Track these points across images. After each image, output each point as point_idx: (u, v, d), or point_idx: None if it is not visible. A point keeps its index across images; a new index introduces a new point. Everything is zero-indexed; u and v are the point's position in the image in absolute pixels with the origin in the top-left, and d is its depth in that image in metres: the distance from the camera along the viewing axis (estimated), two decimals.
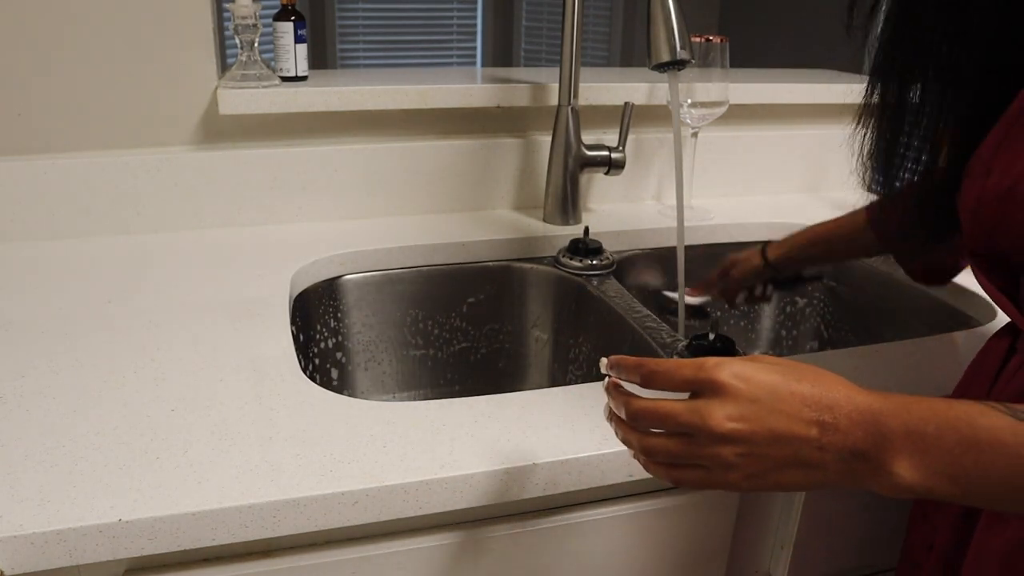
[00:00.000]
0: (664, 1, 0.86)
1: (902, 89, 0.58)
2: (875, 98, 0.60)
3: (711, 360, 0.47)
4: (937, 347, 0.82)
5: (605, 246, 1.06)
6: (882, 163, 0.62)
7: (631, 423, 0.49)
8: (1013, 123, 0.52)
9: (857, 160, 0.62)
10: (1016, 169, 0.50)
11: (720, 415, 0.45)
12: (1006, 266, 0.55)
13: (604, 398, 0.68)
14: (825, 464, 0.45)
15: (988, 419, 0.44)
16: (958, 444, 0.43)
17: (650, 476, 0.64)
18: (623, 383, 0.51)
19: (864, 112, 0.61)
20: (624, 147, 1.14)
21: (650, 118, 1.24)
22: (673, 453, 0.47)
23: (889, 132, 0.60)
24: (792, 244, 0.97)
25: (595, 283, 1.02)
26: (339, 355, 1.04)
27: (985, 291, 0.58)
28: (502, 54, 4.72)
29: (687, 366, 0.47)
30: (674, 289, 1.01)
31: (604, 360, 0.52)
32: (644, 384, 0.49)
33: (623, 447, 0.61)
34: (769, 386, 0.46)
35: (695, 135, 1.20)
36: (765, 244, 1.00)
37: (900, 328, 1.07)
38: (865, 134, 0.62)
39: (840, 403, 0.45)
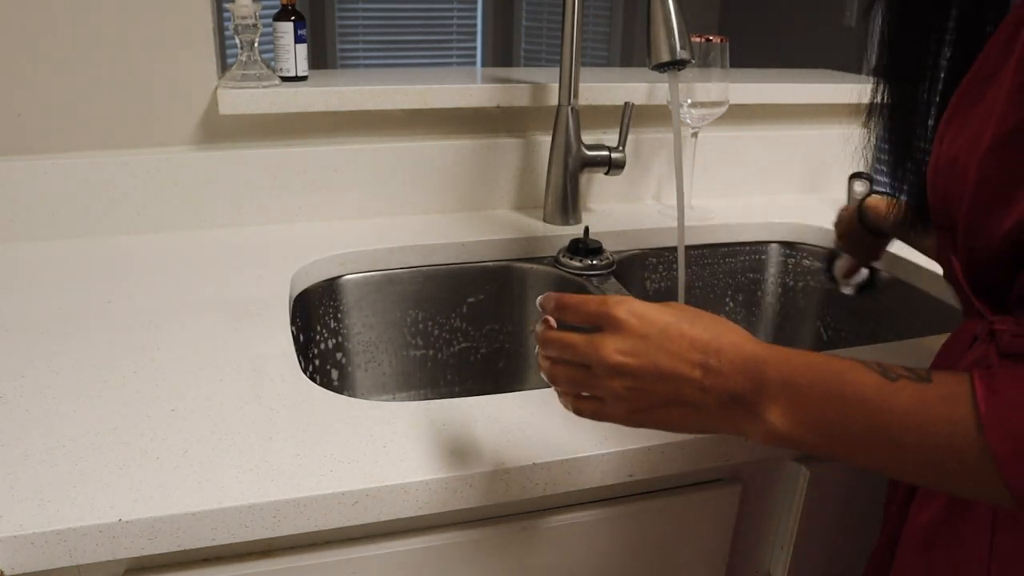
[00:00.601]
0: (664, 1, 0.86)
1: (905, 88, 0.59)
2: (880, 98, 0.60)
3: (614, 297, 0.51)
4: (937, 347, 0.82)
5: (605, 246, 1.06)
6: (891, 163, 0.62)
7: (543, 350, 0.53)
8: (964, 94, 0.53)
9: (862, 160, 0.62)
10: (960, 140, 0.51)
11: (611, 348, 0.49)
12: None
13: None
14: (707, 406, 0.48)
15: (857, 375, 0.45)
16: (826, 397, 0.46)
17: (650, 477, 0.64)
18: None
19: (870, 112, 0.61)
20: (624, 147, 1.14)
21: (650, 118, 1.24)
22: (573, 381, 0.51)
23: (895, 132, 0.60)
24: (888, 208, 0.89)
25: (595, 283, 1.02)
26: (339, 356, 1.04)
27: (942, 264, 0.58)
28: (502, 54, 4.72)
29: (592, 301, 0.51)
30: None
31: (539, 298, 0.56)
32: (557, 316, 0.53)
33: (623, 447, 0.62)
34: (661, 325, 0.49)
35: (695, 135, 1.20)
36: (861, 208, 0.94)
37: (900, 328, 1.07)
38: (871, 135, 0.62)
39: (726, 349, 0.48)
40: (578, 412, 0.53)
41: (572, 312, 0.52)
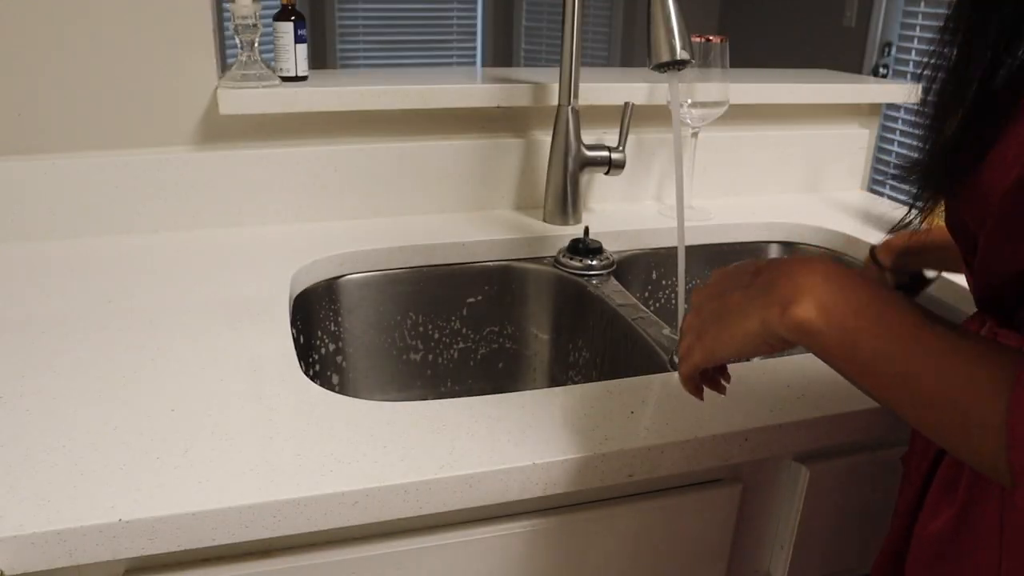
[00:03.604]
0: (664, 1, 0.86)
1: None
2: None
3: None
4: None
5: (605, 246, 1.06)
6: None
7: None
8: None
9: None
10: (995, 159, 0.49)
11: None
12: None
13: (603, 399, 0.69)
14: (754, 286, 0.50)
15: (903, 303, 0.47)
16: (865, 303, 0.46)
17: (650, 476, 0.64)
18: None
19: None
20: (624, 147, 1.14)
21: (650, 118, 1.24)
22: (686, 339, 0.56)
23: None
24: (905, 246, 0.86)
25: (595, 283, 1.02)
26: (339, 358, 1.04)
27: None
28: (502, 54, 4.72)
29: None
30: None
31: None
32: None
33: (623, 447, 0.62)
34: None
35: (695, 135, 1.20)
36: (872, 248, 0.89)
37: None
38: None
39: (777, 262, 0.51)
40: (683, 358, 0.55)
41: None
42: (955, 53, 0.51)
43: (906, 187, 0.57)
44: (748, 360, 0.59)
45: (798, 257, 0.51)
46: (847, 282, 0.47)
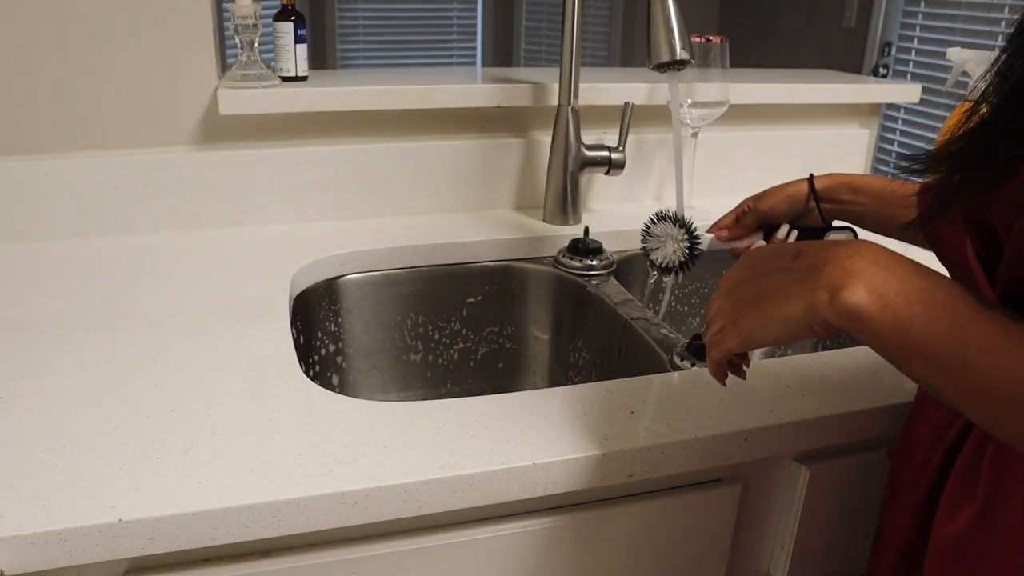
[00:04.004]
0: (664, 1, 0.86)
1: None
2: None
3: None
4: None
5: (605, 246, 1.06)
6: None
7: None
8: None
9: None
10: None
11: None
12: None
13: (603, 399, 0.69)
14: (796, 269, 0.49)
15: (955, 286, 0.45)
16: (918, 290, 0.45)
17: (650, 477, 0.64)
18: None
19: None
20: (624, 147, 1.14)
21: (650, 118, 1.24)
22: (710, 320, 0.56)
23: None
24: (843, 181, 0.84)
25: (595, 283, 1.02)
26: (339, 359, 1.04)
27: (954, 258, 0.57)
28: (502, 54, 4.72)
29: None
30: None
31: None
32: None
33: (623, 447, 0.62)
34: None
35: (695, 135, 1.20)
36: (811, 176, 0.87)
37: None
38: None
39: (815, 244, 0.51)
40: (715, 343, 0.55)
41: None
42: None
43: (926, 175, 0.55)
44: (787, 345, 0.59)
45: (842, 240, 0.50)
46: (898, 267, 0.46)
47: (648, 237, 0.88)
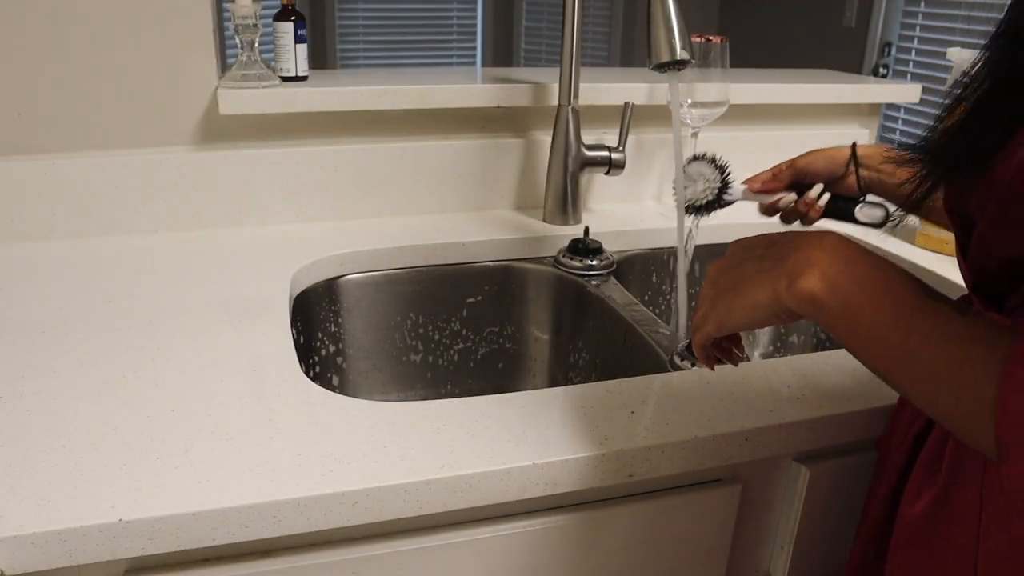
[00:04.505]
0: (664, 1, 0.86)
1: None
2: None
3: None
4: None
5: (605, 246, 1.06)
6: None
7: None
8: None
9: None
10: None
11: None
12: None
13: (603, 399, 0.69)
14: (767, 258, 0.51)
15: (904, 277, 0.47)
16: (866, 278, 0.47)
17: (650, 477, 0.64)
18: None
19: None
20: (624, 147, 1.14)
21: (650, 118, 1.24)
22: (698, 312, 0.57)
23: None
24: (885, 153, 0.85)
25: (595, 283, 1.02)
26: (339, 359, 1.04)
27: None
28: (502, 54, 4.72)
29: None
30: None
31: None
32: None
33: (623, 447, 0.62)
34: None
35: (695, 135, 1.20)
36: (854, 143, 0.87)
37: None
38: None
39: (788, 235, 0.52)
40: (697, 327, 0.57)
41: None
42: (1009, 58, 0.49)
43: (912, 166, 0.56)
44: (759, 329, 0.59)
45: (810, 231, 0.51)
46: (853, 256, 0.48)
47: (684, 175, 0.88)
